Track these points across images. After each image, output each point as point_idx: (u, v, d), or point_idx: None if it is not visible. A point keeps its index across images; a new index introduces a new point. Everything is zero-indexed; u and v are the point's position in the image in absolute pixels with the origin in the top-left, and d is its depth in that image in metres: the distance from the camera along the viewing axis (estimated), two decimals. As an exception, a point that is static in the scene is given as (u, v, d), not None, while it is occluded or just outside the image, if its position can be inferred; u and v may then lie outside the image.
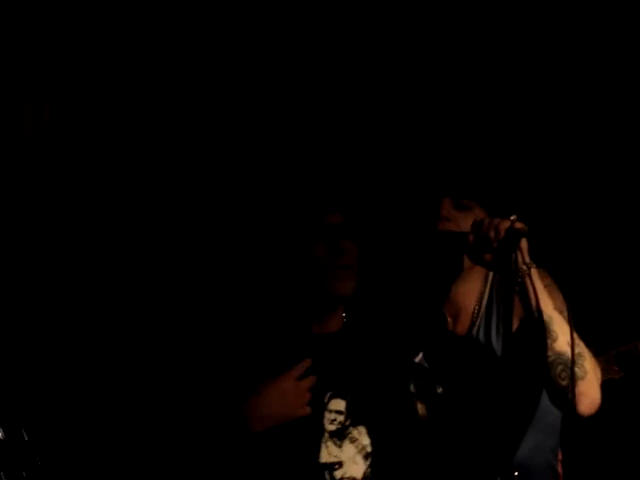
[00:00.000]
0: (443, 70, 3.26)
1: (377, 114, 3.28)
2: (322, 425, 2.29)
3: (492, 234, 2.15)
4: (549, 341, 2.14)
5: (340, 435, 2.29)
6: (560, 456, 2.47)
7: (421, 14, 3.23)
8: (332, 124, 3.28)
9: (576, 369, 2.11)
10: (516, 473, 2.23)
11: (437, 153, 2.53)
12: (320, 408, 2.28)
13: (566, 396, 2.12)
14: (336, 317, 2.42)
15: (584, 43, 3.18)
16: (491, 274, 2.47)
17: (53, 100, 3.11)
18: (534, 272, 2.17)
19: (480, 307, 2.44)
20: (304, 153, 3.22)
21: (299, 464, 2.25)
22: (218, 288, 3.11)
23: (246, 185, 3.22)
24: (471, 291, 2.46)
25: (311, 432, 2.27)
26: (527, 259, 2.16)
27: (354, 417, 2.31)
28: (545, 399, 2.28)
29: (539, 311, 2.15)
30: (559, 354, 2.13)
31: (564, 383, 2.12)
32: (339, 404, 2.31)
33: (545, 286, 2.20)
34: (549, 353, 2.13)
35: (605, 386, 2.25)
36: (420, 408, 2.35)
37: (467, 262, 2.40)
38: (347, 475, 2.27)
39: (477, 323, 2.43)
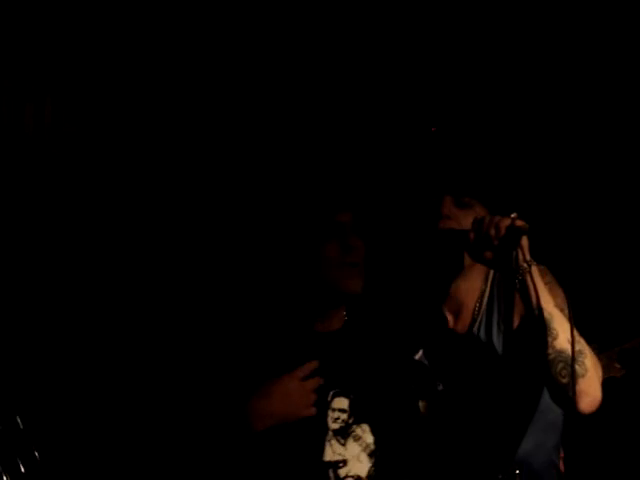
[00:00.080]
0: (444, 69, 3.26)
1: (378, 114, 3.28)
2: (326, 423, 2.29)
3: (493, 232, 2.15)
4: (549, 339, 2.13)
5: (344, 433, 2.30)
6: (562, 454, 2.47)
7: (423, 14, 3.22)
8: (340, 125, 3.29)
9: (576, 367, 2.11)
10: (517, 471, 2.23)
11: (438, 151, 2.53)
12: (323, 406, 2.28)
13: (566, 394, 2.11)
14: (339, 315, 2.43)
15: (584, 43, 3.17)
16: (492, 272, 2.46)
17: (54, 98, 3.11)
18: (535, 270, 2.16)
19: (481, 305, 2.44)
20: (315, 155, 3.23)
21: (303, 463, 2.26)
22: (223, 286, 3.11)
23: (258, 184, 3.22)
24: (472, 289, 2.46)
25: (315, 431, 2.27)
26: (528, 257, 2.16)
27: (357, 415, 2.32)
28: (546, 397, 2.28)
29: (539, 309, 2.14)
30: (559, 352, 2.13)
31: (564, 381, 2.11)
32: (342, 402, 2.32)
33: (546, 284, 2.20)
34: (549, 351, 2.13)
35: (607, 384, 2.25)
36: (421, 406, 2.35)
37: (468, 260, 2.39)
38: (351, 473, 2.28)
39: (478, 321, 2.43)
